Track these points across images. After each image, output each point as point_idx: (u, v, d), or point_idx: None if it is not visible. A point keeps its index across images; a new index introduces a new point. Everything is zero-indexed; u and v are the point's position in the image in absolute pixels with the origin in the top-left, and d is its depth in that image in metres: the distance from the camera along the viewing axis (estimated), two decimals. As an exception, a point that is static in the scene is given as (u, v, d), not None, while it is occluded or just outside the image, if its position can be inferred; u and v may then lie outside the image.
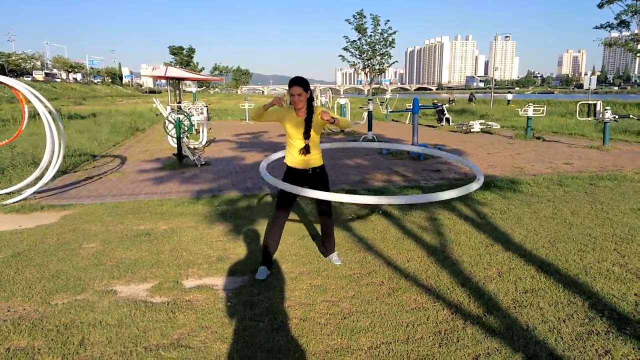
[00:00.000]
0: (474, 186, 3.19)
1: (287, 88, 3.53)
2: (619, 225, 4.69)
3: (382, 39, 28.90)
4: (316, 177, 3.61)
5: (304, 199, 5.87)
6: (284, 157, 3.76)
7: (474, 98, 40.19)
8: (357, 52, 29.52)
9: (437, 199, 2.99)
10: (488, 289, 3.28)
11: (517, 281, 3.40)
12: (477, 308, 3.02)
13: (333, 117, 3.30)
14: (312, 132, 3.45)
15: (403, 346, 2.59)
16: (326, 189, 3.67)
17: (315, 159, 3.55)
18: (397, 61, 32.09)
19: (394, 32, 28.68)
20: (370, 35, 28.92)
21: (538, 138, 13.38)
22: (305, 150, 3.45)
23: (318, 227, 4.65)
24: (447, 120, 18.85)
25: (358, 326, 2.82)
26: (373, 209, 5.43)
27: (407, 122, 20.59)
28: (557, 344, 2.56)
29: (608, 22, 20.12)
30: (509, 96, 40.28)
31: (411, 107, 10.77)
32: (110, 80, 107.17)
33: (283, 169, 3.67)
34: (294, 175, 3.58)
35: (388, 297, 3.21)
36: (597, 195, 6.05)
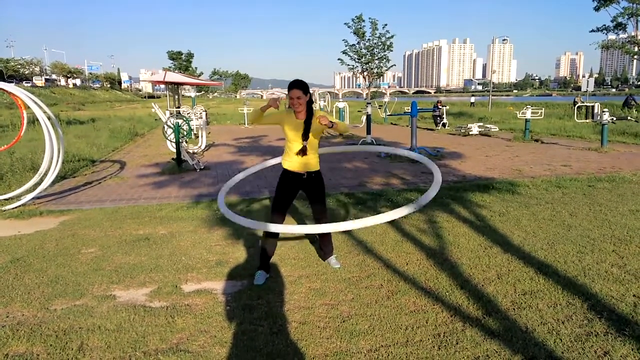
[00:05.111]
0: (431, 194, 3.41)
1: (286, 92, 3.55)
2: (618, 226, 4.69)
3: (380, 43, 29.00)
4: (311, 182, 3.62)
5: (301, 201, 5.87)
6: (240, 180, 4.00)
7: (634, 102, 23.89)
8: (356, 56, 29.60)
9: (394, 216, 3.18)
10: (487, 291, 3.28)
11: (516, 283, 3.40)
12: (476, 310, 3.02)
13: (332, 122, 3.32)
14: (311, 136, 3.46)
15: (402, 349, 2.59)
16: (322, 194, 3.71)
17: (312, 163, 3.56)
18: (395, 65, 32.16)
19: (392, 36, 28.80)
20: (369, 39, 29.01)
21: (536, 140, 13.41)
22: (303, 152, 3.46)
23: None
24: (444, 125, 18.88)
25: (357, 329, 2.82)
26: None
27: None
28: (556, 346, 2.56)
29: (604, 25, 20.23)
30: (472, 99, 38.83)
31: (410, 111, 10.80)
32: (109, 86, 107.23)
33: (279, 173, 3.67)
34: (289, 178, 3.59)
35: (387, 300, 3.21)
36: (595, 197, 6.06)
